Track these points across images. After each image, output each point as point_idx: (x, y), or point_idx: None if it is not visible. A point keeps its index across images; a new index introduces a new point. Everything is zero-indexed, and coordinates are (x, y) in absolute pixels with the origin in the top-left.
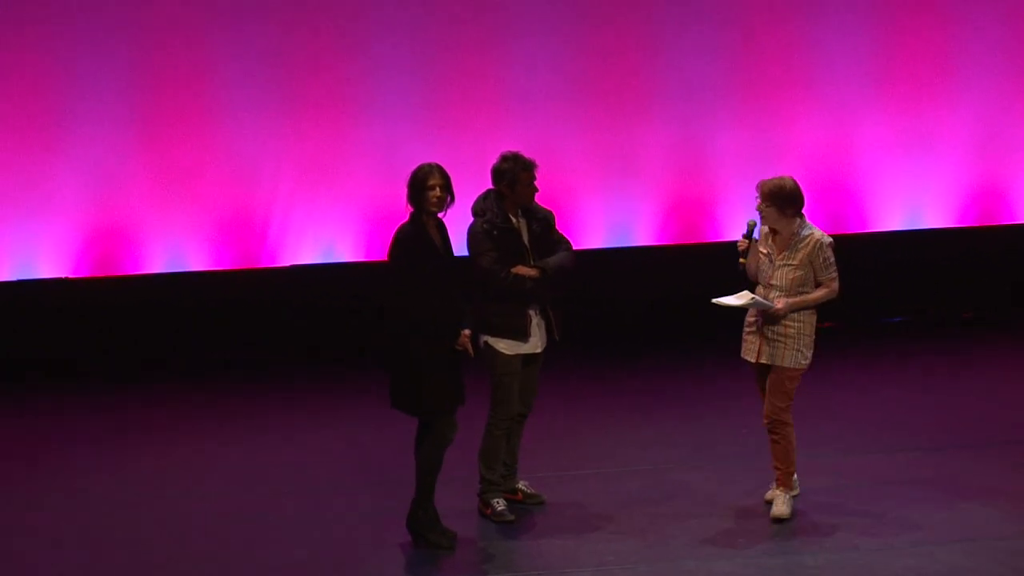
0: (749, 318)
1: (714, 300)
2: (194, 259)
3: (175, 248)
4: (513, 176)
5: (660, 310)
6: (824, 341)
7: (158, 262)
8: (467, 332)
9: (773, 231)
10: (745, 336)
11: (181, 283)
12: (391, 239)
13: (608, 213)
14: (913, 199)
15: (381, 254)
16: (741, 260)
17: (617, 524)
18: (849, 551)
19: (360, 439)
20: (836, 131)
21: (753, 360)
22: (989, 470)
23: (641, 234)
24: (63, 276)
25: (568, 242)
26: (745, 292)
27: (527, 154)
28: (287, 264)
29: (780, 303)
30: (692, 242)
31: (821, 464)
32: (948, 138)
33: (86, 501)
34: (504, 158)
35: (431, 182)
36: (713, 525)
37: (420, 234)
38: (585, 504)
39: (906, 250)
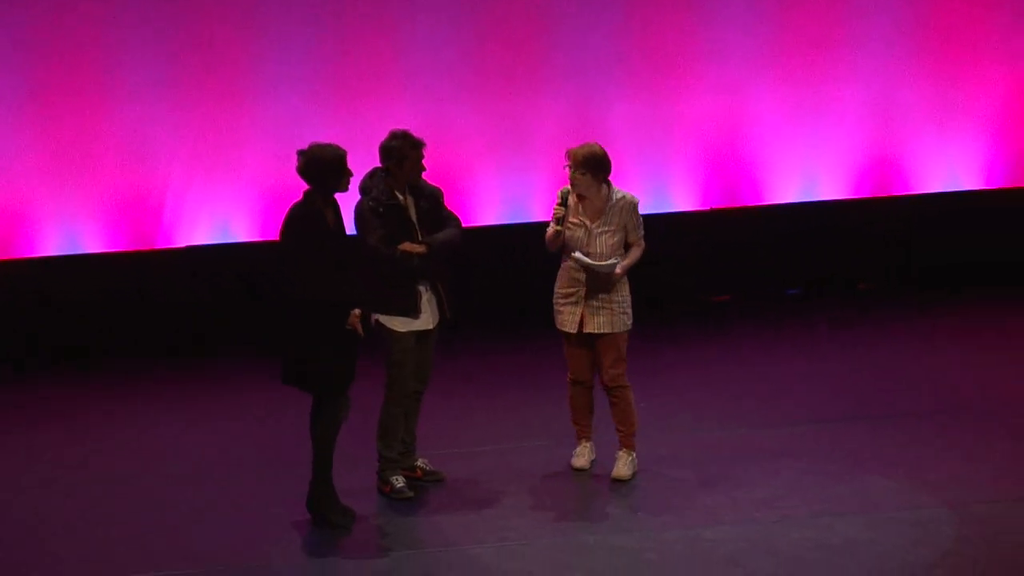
0: (562, 290)
1: (575, 255)
2: (89, 241)
3: (69, 230)
4: (402, 154)
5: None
6: (720, 314)
7: (52, 244)
8: (357, 312)
9: (581, 199)
10: (561, 308)
11: (76, 265)
12: (284, 218)
13: (503, 189)
14: (808, 171)
15: (276, 233)
16: (558, 227)
17: (516, 499)
18: (747, 523)
19: (258, 421)
20: (729, 104)
21: (575, 331)
22: (887, 442)
23: (536, 210)
24: None
25: (457, 219)
26: (578, 253)
27: (423, 130)
28: (183, 245)
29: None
30: None
31: (718, 438)
32: (842, 109)
33: None
34: (393, 136)
35: (347, 166)
36: (611, 500)
37: (316, 213)
38: (484, 480)
39: (801, 222)
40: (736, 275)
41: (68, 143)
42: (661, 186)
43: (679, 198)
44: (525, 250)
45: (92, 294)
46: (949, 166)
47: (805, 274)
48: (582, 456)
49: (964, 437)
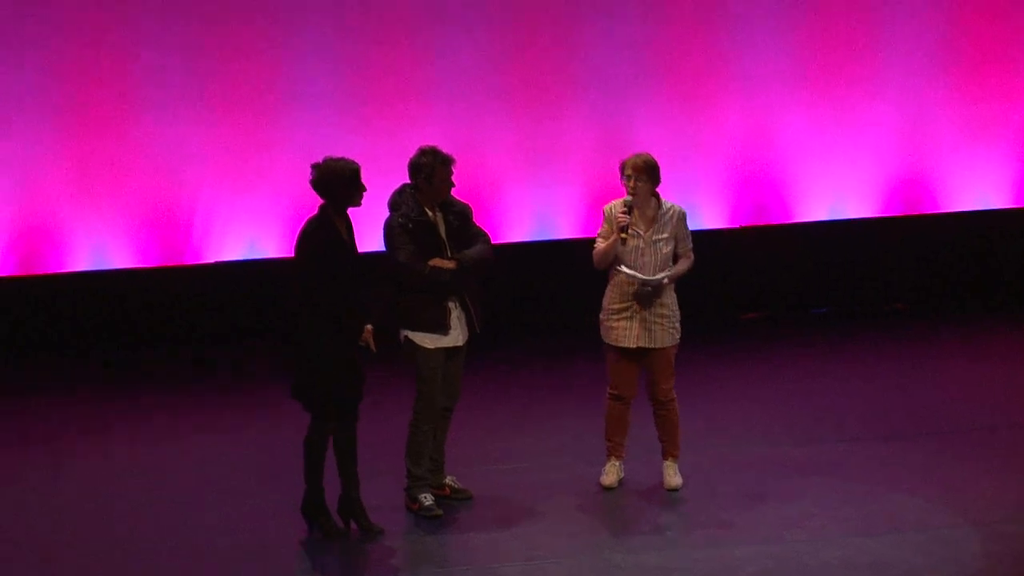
0: (614, 304)
1: (625, 270)
2: (118, 256)
3: (98, 246)
4: (431, 170)
5: (585, 304)
6: (749, 332)
7: (82, 260)
8: (370, 327)
9: (629, 208)
10: (615, 323)
11: (106, 281)
12: (299, 233)
13: (533, 206)
14: (837, 189)
15: None
16: (623, 235)
17: (544, 518)
18: (776, 542)
19: (287, 435)
20: (759, 122)
21: (633, 346)
22: (916, 460)
23: (565, 227)
24: None
25: (486, 235)
26: (625, 268)
27: (452, 146)
28: (211, 260)
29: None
30: None
31: (746, 456)
32: (871, 128)
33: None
34: (423, 152)
35: (361, 181)
36: (640, 517)
37: (330, 228)
38: (512, 498)
39: (831, 240)
40: (765, 293)
41: (97, 159)
42: (690, 204)
43: (708, 216)
44: (554, 266)
45: (120, 309)
46: (980, 185)
47: (835, 293)
48: (611, 474)
49: (994, 456)
